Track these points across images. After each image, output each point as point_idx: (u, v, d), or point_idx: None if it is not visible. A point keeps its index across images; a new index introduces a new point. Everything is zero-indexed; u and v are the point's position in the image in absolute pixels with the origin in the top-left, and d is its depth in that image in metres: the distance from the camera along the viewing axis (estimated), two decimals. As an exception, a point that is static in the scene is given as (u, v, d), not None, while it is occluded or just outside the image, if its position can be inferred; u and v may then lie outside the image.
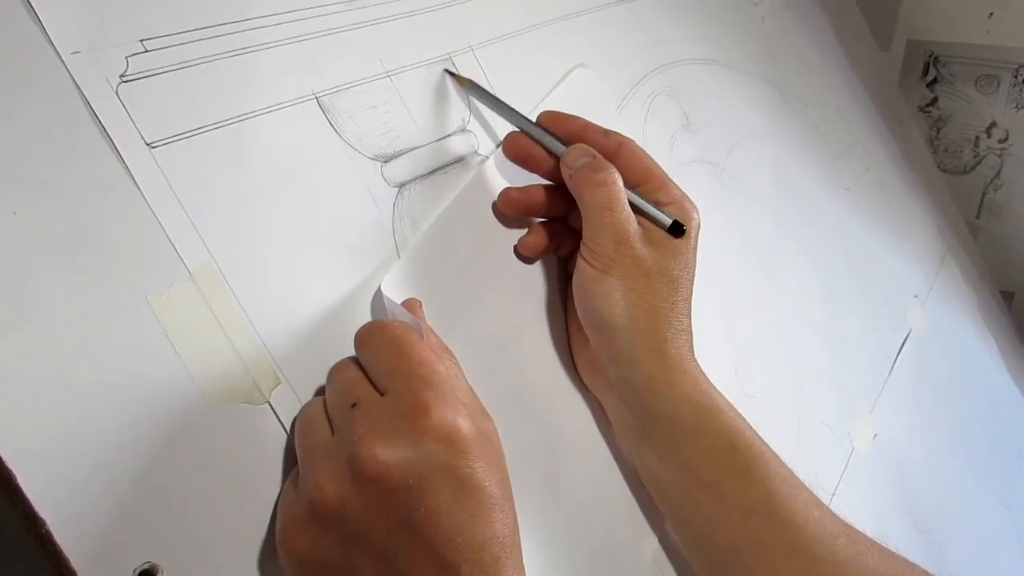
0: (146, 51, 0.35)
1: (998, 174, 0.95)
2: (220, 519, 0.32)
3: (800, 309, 0.66)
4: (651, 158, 0.45)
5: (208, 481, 0.32)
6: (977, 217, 0.99)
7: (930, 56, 0.94)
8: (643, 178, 0.44)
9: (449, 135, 0.46)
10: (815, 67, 0.81)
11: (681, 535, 0.44)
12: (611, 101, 0.56)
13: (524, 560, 0.33)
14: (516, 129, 0.45)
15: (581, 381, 0.47)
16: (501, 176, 0.46)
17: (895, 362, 0.73)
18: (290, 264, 0.37)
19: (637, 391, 0.42)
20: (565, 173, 0.43)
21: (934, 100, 0.96)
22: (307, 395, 0.36)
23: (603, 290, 0.41)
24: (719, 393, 0.42)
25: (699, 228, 0.44)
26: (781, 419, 0.60)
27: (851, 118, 0.84)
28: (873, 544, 0.42)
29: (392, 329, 0.35)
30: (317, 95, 0.40)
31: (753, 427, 0.42)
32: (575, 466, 0.44)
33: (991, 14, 0.89)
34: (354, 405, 0.32)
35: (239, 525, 0.32)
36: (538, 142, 0.45)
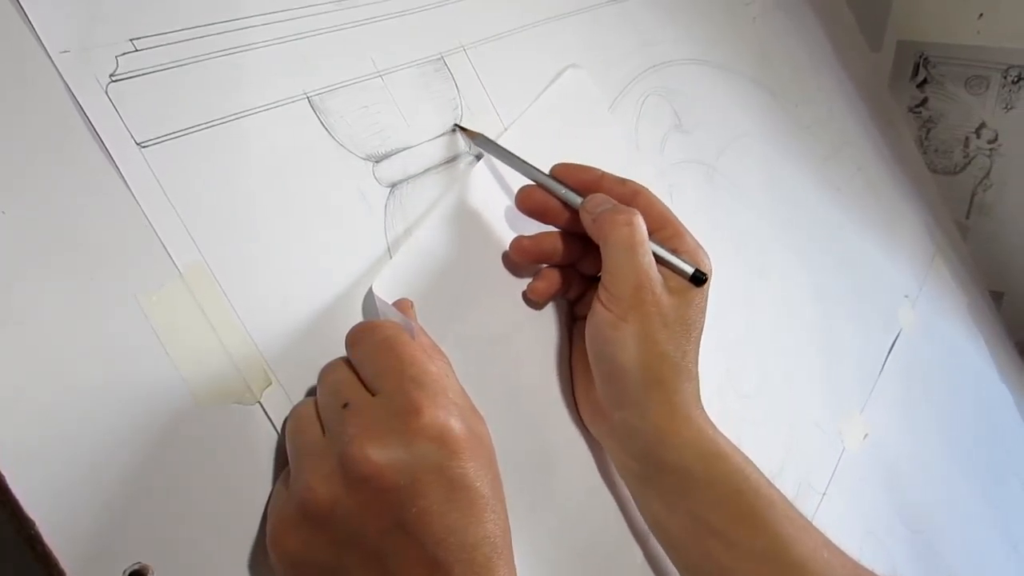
0: (136, 50, 0.34)
1: (988, 174, 0.96)
2: (211, 519, 0.32)
3: (791, 309, 0.66)
4: (666, 207, 0.44)
5: (199, 481, 0.32)
6: (967, 217, 0.99)
7: (920, 57, 0.95)
8: (659, 225, 0.44)
9: (441, 135, 0.46)
10: (806, 68, 0.82)
11: None
12: (603, 101, 0.56)
13: (515, 560, 0.33)
14: (529, 182, 0.45)
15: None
16: (492, 176, 0.46)
17: (885, 362, 0.74)
18: (281, 264, 0.37)
19: (643, 440, 0.41)
20: (586, 219, 0.43)
21: (924, 101, 0.96)
22: (298, 395, 0.36)
23: (618, 335, 0.40)
24: (724, 438, 0.42)
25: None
26: (773, 419, 0.60)
27: (842, 119, 0.84)
28: None
29: (383, 329, 0.35)
30: (308, 95, 0.40)
31: (758, 468, 0.42)
32: (567, 467, 0.45)
33: (981, 15, 0.89)
34: (345, 405, 0.32)
35: (230, 525, 0.32)
36: (553, 194, 0.44)
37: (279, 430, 0.35)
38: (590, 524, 0.44)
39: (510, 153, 0.45)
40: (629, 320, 0.40)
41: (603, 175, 0.45)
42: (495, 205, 0.46)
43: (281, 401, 0.35)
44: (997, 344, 0.94)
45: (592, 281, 0.46)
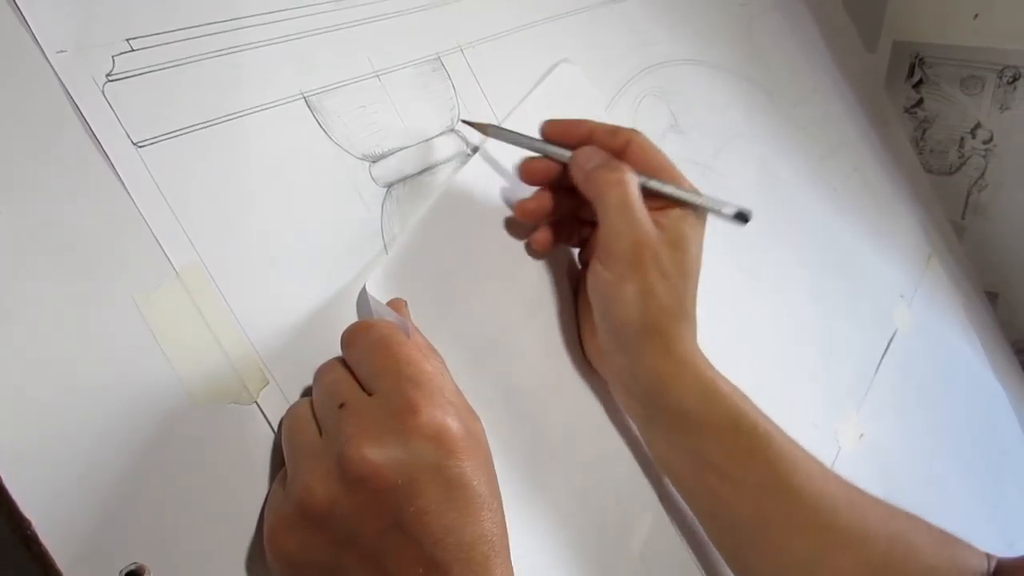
0: (133, 50, 0.34)
1: (983, 175, 0.96)
2: (208, 519, 0.32)
3: (787, 309, 0.66)
4: (661, 151, 0.45)
5: (195, 481, 0.32)
6: (962, 217, 0.99)
7: (916, 57, 0.95)
8: (656, 172, 0.44)
9: (438, 135, 0.46)
10: (802, 68, 0.82)
11: (693, 509, 0.46)
12: (598, 99, 0.56)
13: (512, 558, 0.33)
14: (529, 155, 0.46)
15: (574, 371, 0.47)
16: (484, 174, 0.46)
17: (881, 362, 0.74)
18: (278, 264, 0.37)
19: (645, 383, 0.43)
20: (578, 176, 0.43)
21: (920, 101, 0.97)
22: (295, 395, 0.36)
23: (619, 293, 0.41)
24: (723, 378, 0.43)
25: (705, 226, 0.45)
26: (768, 418, 0.60)
27: (838, 119, 0.85)
28: (876, 504, 0.44)
29: (379, 329, 0.35)
30: (305, 95, 0.40)
31: (756, 406, 0.43)
32: (563, 464, 0.45)
33: (976, 16, 0.89)
34: (342, 406, 0.32)
35: (227, 526, 0.32)
36: (550, 157, 0.45)
37: (276, 430, 0.35)
38: (587, 520, 0.44)
39: (519, 134, 0.46)
40: (629, 278, 0.41)
41: (593, 127, 0.45)
42: (488, 202, 0.46)
43: (278, 401, 0.35)
44: (992, 344, 0.94)
45: (595, 225, 0.46)
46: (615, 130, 0.45)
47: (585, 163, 0.43)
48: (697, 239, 0.44)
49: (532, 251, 0.47)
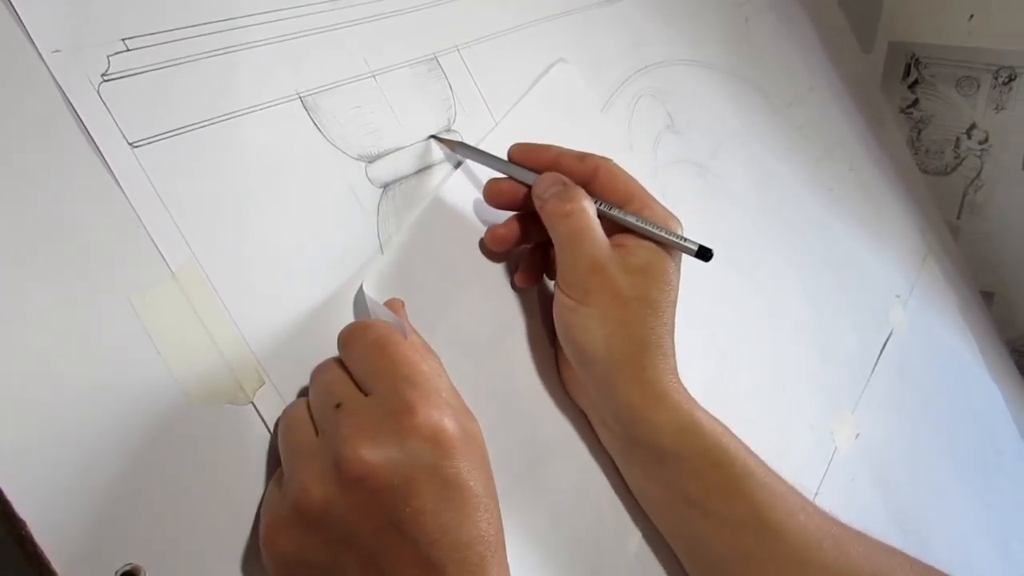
0: (128, 50, 0.34)
1: (978, 175, 0.96)
2: (203, 520, 0.32)
3: (783, 309, 0.66)
4: (632, 178, 0.44)
5: (191, 482, 0.32)
6: (958, 218, 0.99)
7: (911, 58, 0.95)
8: (625, 199, 0.43)
9: (435, 135, 0.46)
10: (798, 69, 0.82)
11: (672, 545, 0.45)
12: (594, 99, 0.56)
13: (509, 558, 0.33)
14: (496, 176, 0.44)
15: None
16: (481, 174, 0.46)
17: (877, 362, 0.74)
18: (274, 264, 0.37)
19: (618, 417, 0.42)
20: (537, 204, 0.42)
21: (915, 102, 0.97)
22: (291, 396, 0.36)
23: (579, 320, 0.40)
24: (702, 411, 0.42)
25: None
26: (764, 419, 0.60)
27: (834, 119, 0.85)
28: (859, 540, 0.43)
29: (375, 329, 0.35)
30: (301, 95, 0.40)
31: (738, 438, 0.42)
32: (559, 464, 0.45)
33: (971, 16, 0.90)
34: (338, 406, 0.32)
35: (222, 526, 0.32)
36: (517, 180, 0.44)
37: (272, 430, 0.35)
38: (582, 520, 0.44)
39: (487, 154, 0.45)
40: (588, 303, 0.40)
41: (560, 153, 0.44)
42: (484, 204, 0.46)
43: (274, 401, 0.35)
44: (988, 344, 0.95)
45: None
46: (583, 156, 0.43)
47: (542, 192, 0.42)
48: (664, 267, 0.42)
49: (516, 288, 0.46)
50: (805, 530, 0.41)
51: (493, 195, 0.44)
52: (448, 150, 0.46)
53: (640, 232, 0.42)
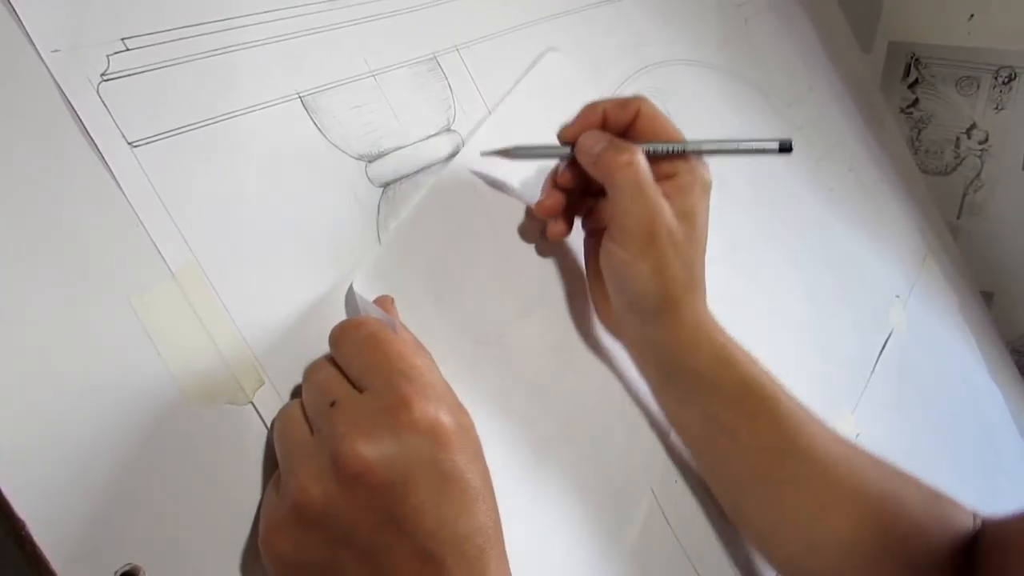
0: (128, 50, 0.34)
1: (978, 175, 0.96)
2: (202, 520, 0.32)
3: (782, 309, 0.66)
4: (667, 118, 0.45)
5: (190, 482, 0.32)
6: (958, 218, 0.99)
7: (911, 58, 0.95)
8: (666, 137, 0.45)
9: (434, 135, 0.46)
10: (798, 69, 0.82)
11: (699, 464, 0.49)
12: (583, 86, 0.56)
13: (507, 550, 0.33)
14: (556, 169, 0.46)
15: (567, 366, 0.48)
16: (469, 172, 0.46)
17: (877, 362, 0.74)
18: (274, 264, 0.37)
19: (659, 349, 0.45)
20: (585, 160, 0.44)
21: (915, 101, 0.97)
22: (290, 395, 0.36)
23: (634, 272, 0.43)
24: (733, 343, 0.45)
25: (711, 190, 0.46)
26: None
27: (833, 120, 0.85)
28: (873, 465, 0.47)
29: (368, 326, 0.35)
30: (301, 95, 0.40)
31: (766, 370, 0.45)
32: (556, 458, 0.45)
33: (971, 16, 0.89)
34: (333, 404, 0.32)
35: (222, 526, 0.32)
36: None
37: (270, 430, 0.34)
38: (580, 513, 0.44)
39: (542, 146, 0.46)
40: (644, 257, 0.42)
41: (605, 108, 0.45)
42: (475, 199, 0.46)
43: (273, 401, 0.35)
44: (988, 344, 0.95)
45: (599, 194, 0.47)
46: (624, 103, 0.45)
47: (592, 147, 0.43)
48: (704, 207, 0.45)
49: (544, 244, 0.48)
50: (824, 455, 0.45)
51: (546, 210, 0.46)
52: (506, 159, 0.45)
53: (713, 153, 0.45)
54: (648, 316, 0.44)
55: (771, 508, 0.46)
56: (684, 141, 0.45)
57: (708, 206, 0.45)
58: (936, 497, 0.47)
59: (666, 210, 0.42)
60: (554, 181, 0.46)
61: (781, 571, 0.49)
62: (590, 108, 0.45)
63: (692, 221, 0.44)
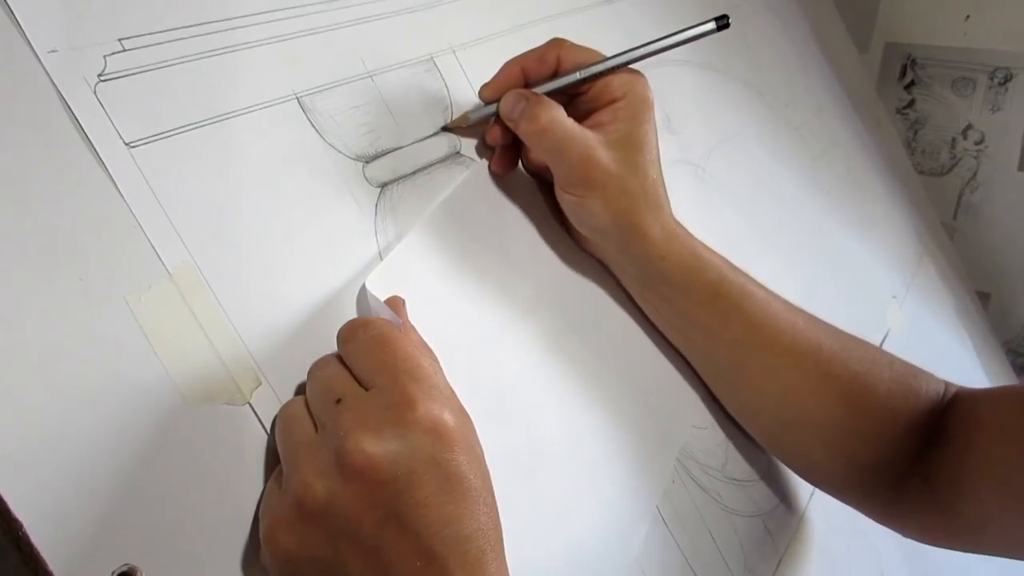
0: (124, 50, 0.34)
1: (974, 176, 0.97)
2: (200, 521, 0.32)
3: (780, 309, 0.66)
4: (587, 48, 0.46)
5: (188, 483, 0.32)
6: (954, 218, 1.00)
7: (908, 59, 0.95)
8: (594, 59, 0.45)
9: (431, 135, 0.46)
10: (794, 69, 0.82)
11: (686, 357, 0.53)
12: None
13: (507, 554, 0.33)
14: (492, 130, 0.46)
15: (570, 370, 0.48)
16: (487, 179, 0.46)
17: (874, 362, 0.74)
18: (271, 265, 0.37)
19: (632, 265, 0.48)
20: (510, 127, 0.45)
21: (911, 102, 0.97)
22: (288, 396, 0.36)
23: (586, 210, 0.45)
24: (702, 246, 0.48)
25: (652, 105, 0.46)
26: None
27: (830, 120, 0.85)
28: (844, 348, 0.50)
29: (376, 326, 0.35)
30: (298, 95, 0.40)
31: (736, 267, 0.49)
32: (557, 463, 0.45)
33: (967, 17, 0.90)
34: (339, 400, 0.32)
35: (219, 527, 0.32)
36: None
37: (269, 431, 0.34)
38: (581, 520, 0.44)
39: (481, 108, 0.46)
40: (590, 196, 0.44)
41: (521, 67, 0.46)
42: (490, 208, 0.46)
43: (271, 402, 0.35)
44: (984, 344, 0.95)
45: None
46: (541, 55, 0.46)
47: (510, 113, 0.45)
48: (645, 126, 0.45)
49: (493, 174, 0.48)
50: (791, 346, 0.49)
51: (492, 138, 0.47)
52: (464, 126, 0.47)
53: (647, 56, 0.45)
54: (613, 240, 0.46)
55: (747, 394, 0.52)
56: (607, 57, 0.45)
57: (651, 120, 0.46)
58: (906, 372, 0.51)
59: (597, 150, 0.43)
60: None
61: (762, 444, 0.55)
62: (508, 66, 0.46)
63: (634, 143, 0.45)
